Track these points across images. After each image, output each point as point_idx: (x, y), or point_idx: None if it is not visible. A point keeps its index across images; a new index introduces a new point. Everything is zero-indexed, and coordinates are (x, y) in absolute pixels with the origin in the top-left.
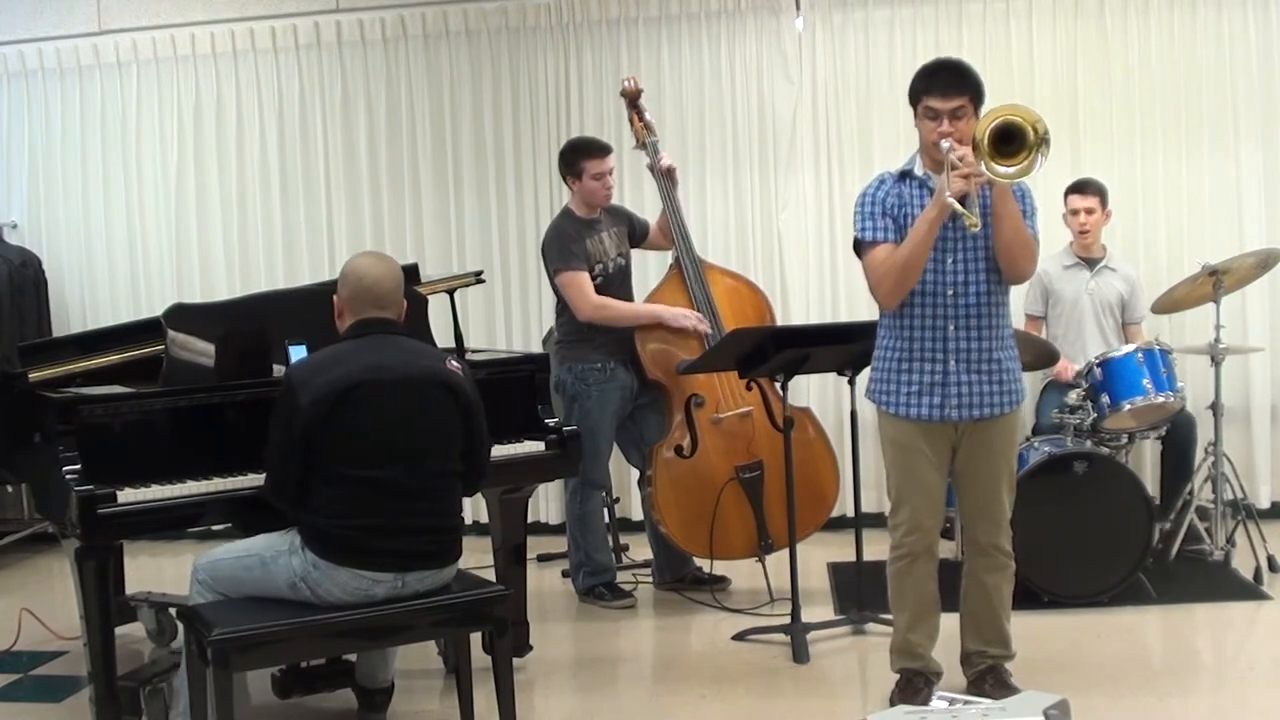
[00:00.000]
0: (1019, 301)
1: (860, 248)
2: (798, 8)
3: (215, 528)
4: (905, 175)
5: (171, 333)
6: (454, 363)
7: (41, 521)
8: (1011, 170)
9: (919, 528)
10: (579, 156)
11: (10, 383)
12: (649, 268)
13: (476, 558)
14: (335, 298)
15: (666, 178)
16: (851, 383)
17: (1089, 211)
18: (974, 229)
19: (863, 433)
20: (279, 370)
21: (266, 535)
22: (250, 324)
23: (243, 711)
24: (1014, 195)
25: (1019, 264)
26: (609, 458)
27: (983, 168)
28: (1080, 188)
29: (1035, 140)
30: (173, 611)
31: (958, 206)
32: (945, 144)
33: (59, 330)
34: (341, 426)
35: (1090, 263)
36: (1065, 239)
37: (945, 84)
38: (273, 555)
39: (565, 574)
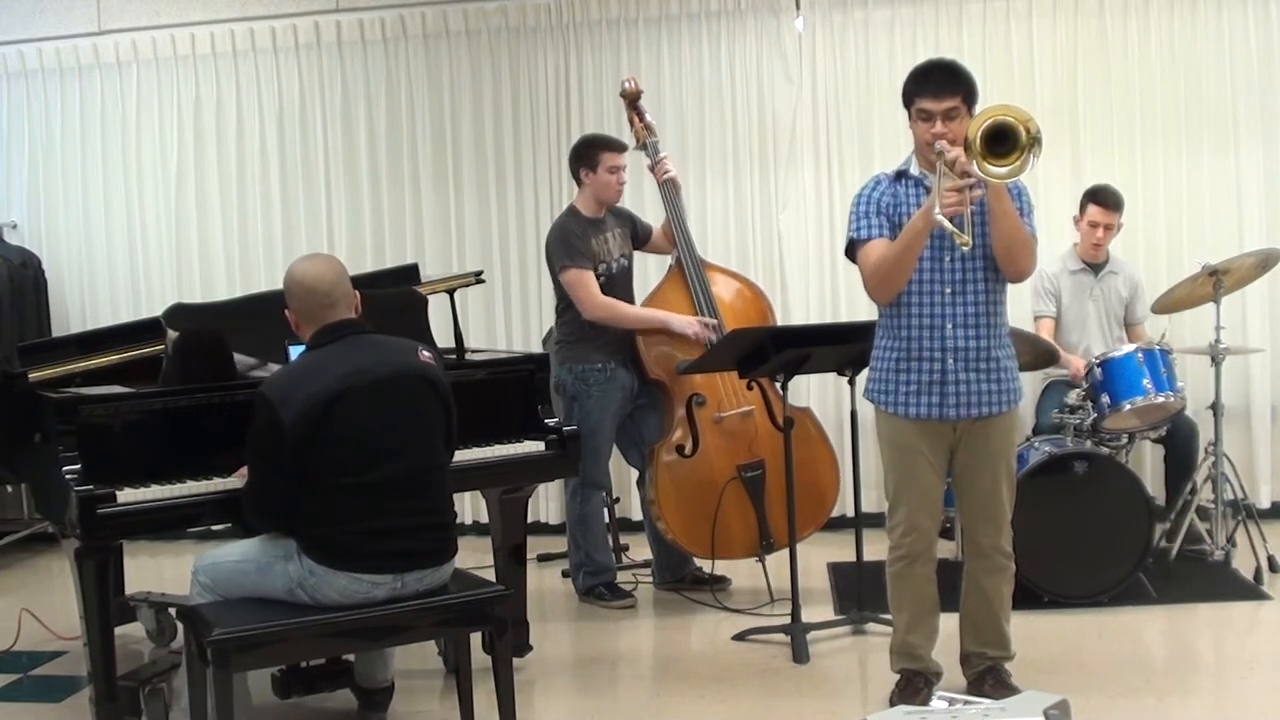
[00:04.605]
0: (1024, 303)
1: (854, 247)
2: (798, 8)
3: (215, 528)
4: (901, 175)
5: (171, 332)
6: (425, 352)
7: (41, 521)
8: (1004, 170)
9: (916, 528)
10: (597, 149)
11: (10, 383)
12: (649, 268)
13: (476, 558)
14: (286, 313)
15: (669, 186)
16: (851, 383)
17: (1108, 227)
18: (965, 247)
19: (863, 433)
20: (274, 367)
21: (263, 538)
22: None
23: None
24: (1010, 194)
25: (1019, 262)
26: (609, 458)
27: (974, 168)
28: (1103, 200)
29: (1027, 140)
30: (173, 611)
31: (947, 225)
32: (939, 145)
33: (59, 330)
34: (330, 438)
35: (1095, 267)
36: (1069, 241)
37: (938, 84)
38: (268, 561)
39: (565, 574)
